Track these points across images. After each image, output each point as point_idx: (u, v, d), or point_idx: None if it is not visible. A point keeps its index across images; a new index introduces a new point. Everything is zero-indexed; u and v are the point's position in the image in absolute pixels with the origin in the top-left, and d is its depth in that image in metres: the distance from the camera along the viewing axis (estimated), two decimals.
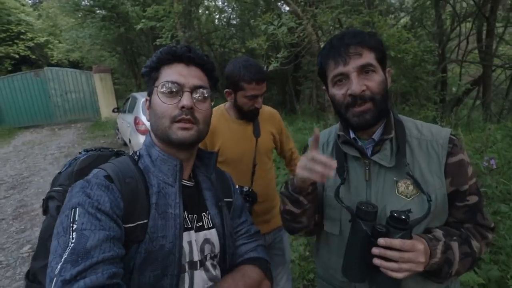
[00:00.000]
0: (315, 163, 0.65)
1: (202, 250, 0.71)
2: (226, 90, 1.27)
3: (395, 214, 0.63)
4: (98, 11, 11.07)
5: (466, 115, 5.89)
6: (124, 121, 5.99)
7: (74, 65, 15.65)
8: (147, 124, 5.38)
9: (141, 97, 5.40)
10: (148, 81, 0.72)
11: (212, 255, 0.72)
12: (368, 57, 0.71)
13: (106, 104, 11.00)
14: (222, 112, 1.34)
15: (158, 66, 0.70)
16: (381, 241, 0.61)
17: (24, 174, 5.44)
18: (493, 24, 6.75)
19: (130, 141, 5.41)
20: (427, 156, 0.74)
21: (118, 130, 7.24)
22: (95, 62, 14.29)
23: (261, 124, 1.36)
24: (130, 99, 6.25)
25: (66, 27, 13.31)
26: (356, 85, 0.70)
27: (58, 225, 0.57)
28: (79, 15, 12.05)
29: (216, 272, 0.72)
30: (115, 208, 0.59)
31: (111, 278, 0.52)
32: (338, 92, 0.74)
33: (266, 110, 1.43)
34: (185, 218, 0.69)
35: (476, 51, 7.74)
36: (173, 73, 0.68)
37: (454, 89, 7.73)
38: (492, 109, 6.19)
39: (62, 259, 0.51)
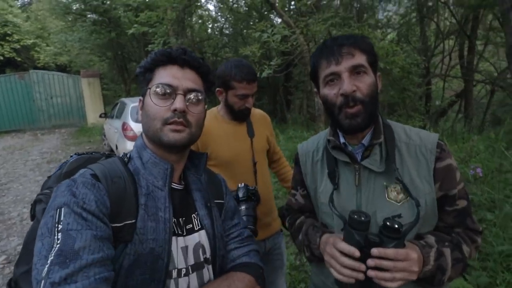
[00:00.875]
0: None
1: (194, 255, 0.69)
2: (217, 89, 1.27)
3: (388, 223, 0.61)
4: (89, 15, 10.95)
5: (450, 127, 6.12)
6: (112, 127, 5.85)
7: (62, 69, 15.30)
8: (136, 130, 5.24)
9: (130, 103, 5.29)
10: (141, 82, 0.72)
11: (205, 257, 0.71)
12: (360, 58, 0.72)
13: (93, 110, 10.74)
14: (214, 114, 1.33)
15: (152, 68, 0.69)
16: (374, 251, 0.60)
17: (2, 180, 5.19)
18: (474, 42, 7.14)
19: (117, 147, 5.26)
20: (416, 161, 0.74)
21: (104, 136, 7.07)
22: (84, 67, 14.03)
23: (254, 125, 1.36)
24: (118, 104, 6.12)
25: (55, 30, 13.04)
26: (347, 85, 0.70)
27: (42, 226, 0.54)
28: (69, 19, 11.89)
29: (207, 277, 0.70)
30: (101, 207, 0.57)
31: (102, 283, 0.50)
32: (329, 92, 0.74)
33: (257, 112, 1.45)
34: (174, 223, 0.67)
35: (458, 66, 8.15)
36: (167, 75, 0.67)
37: (437, 102, 8.05)
38: (474, 122, 6.46)
39: (49, 261, 0.49)
